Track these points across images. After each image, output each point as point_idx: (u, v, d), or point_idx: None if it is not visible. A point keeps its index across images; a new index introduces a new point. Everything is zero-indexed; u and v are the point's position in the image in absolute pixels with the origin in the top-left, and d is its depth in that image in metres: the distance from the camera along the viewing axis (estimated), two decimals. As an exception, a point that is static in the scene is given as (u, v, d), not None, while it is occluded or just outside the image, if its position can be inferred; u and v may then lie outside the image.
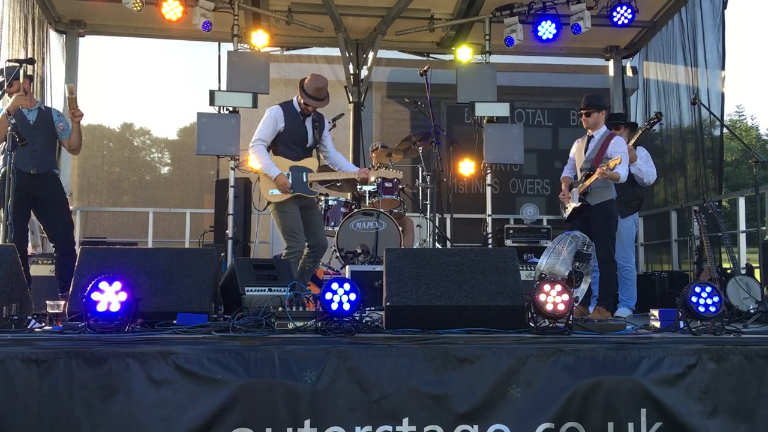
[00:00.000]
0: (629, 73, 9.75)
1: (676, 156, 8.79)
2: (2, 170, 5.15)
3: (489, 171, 8.16)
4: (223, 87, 7.87)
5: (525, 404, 3.26)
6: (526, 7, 8.10)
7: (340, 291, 3.50)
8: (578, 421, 3.26)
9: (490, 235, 7.98)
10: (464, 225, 9.15)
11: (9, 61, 5.79)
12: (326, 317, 3.51)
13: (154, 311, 3.66)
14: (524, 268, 6.56)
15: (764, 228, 6.44)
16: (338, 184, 6.87)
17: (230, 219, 7.55)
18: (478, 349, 3.31)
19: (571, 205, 5.82)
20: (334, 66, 9.46)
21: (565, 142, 6.22)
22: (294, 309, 3.88)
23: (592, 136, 5.86)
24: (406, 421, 3.19)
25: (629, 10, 7.71)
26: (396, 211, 7.05)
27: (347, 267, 6.06)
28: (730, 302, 5.26)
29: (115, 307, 3.39)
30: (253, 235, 8.68)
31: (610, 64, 9.72)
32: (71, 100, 5.37)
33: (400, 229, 6.72)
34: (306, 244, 5.44)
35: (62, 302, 3.91)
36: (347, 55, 8.74)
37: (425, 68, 6.48)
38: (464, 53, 8.26)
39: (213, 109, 7.67)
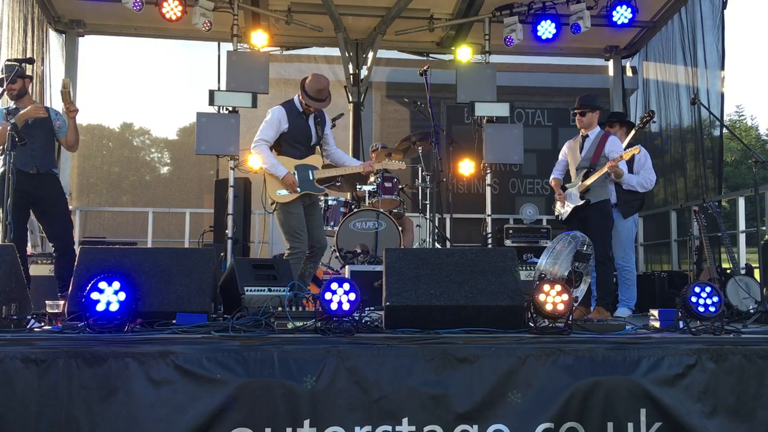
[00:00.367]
0: (629, 73, 9.75)
1: (675, 156, 8.79)
2: (1, 170, 5.15)
3: (489, 171, 8.16)
4: (223, 87, 7.87)
5: (524, 404, 3.25)
6: (526, 6, 8.11)
7: (340, 291, 3.50)
8: (578, 421, 3.26)
9: (489, 235, 7.99)
10: (464, 225, 9.16)
11: (8, 60, 5.80)
12: (326, 317, 3.50)
13: (154, 311, 3.66)
14: (524, 268, 6.56)
15: (764, 228, 6.45)
16: (338, 183, 6.87)
17: (230, 219, 7.55)
18: (478, 349, 3.31)
19: (570, 205, 5.82)
20: (334, 66, 9.46)
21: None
22: (293, 309, 3.88)
23: (587, 136, 5.92)
24: (405, 421, 3.19)
25: (629, 10, 7.71)
26: (396, 211, 7.05)
27: (347, 267, 6.06)
28: (730, 302, 5.26)
29: (115, 307, 3.39)
30: (253, 235, 8.69)
31: (610, 64, 9.72)
32: (65, 95, 5.37)
33: (400, 229, 6.72)
34: None
35: (61, 302, 3.90)
36: (347, 54, 8.74)
37: (425, 68, 6.48)
38: (464, 53, 8.26)
39: (212, 109, 7.68)
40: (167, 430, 3.05)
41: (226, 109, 7.63)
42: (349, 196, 7.34)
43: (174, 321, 3.62)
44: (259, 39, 7.89)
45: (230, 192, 7.62)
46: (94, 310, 3.37)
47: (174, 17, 7.46)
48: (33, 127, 5.36)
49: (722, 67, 7.72)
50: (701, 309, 3.68)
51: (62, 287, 5.26)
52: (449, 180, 8.04)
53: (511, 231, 8.01)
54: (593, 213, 5.73)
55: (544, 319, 3.69)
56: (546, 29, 8.02)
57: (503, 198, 10.05)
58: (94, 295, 3.38)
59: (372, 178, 6.99)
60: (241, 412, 3.10)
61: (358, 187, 7.08)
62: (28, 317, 3.86)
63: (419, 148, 7.37)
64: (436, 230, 7.05)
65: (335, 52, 9.05)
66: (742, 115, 38.52)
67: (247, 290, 4.12)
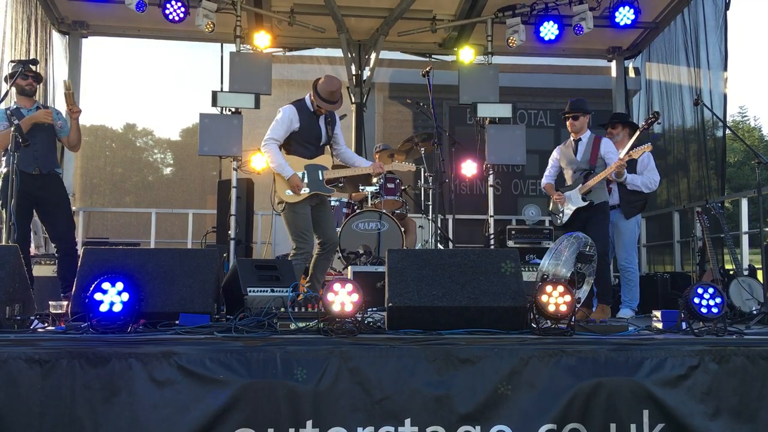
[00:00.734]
0: (632, 74, 9.75)
1: (678, 157, 8.78)
2: (4, 171, 5.16)
3: (491, 172, 8.15)
4: (226, 88, 7.88)
5: (527, 405, 3.25)
6: (529, 8, 8.11)
7: (342, 292, 3.50)
8: (580, 422, 3.26)
9: (492, 236, 7.98)
10: (466, 226, 9.15)
11: (12, 62, 5.82)
12: (328, 318, 3.50)
13: (157, 312, 3.67)
14: (526, 268, 6.56)
15: (767, 229, 6.43)
16: (341, 184, 6.86)
17: (232, 219, 7.55)
18: (480, 350, 3.31)
19: (572, 208, 5.83)
20: (337, 67, 9.46)
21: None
22: (296, 309, 3.89)
23: (580, 140, 5.96)
24: (408, 421, 3.19)
25: (632, 11, 7.71)
26: (398, 211, 7.05)
27: (349, 268, 6.07)
28: (733, 303, 5.26)
29: (118, 308, 3.39)
30: (256, 236, 8.70)
31: (613, 65, 9.72)
32: (68, 96, 5.39)
33: (403, 229, 6.72)
34: (317, 241, 5.40)
35: (65, 302, 3.91)
36: (349, 56, 8.75)
37: (427, 69, 6.48)
38: (466, 54, 8.26)
39: (215, 110, 7.68)
40: (170, 430, 3.06)
41: (229, 110, 7.64)
42: (351, 196, 7.33)
43: (177, 322, 3.62)
44: (262, 40, 7.90)
45: (233, 193, 7.62)
46: (98, 310, 3.38)
47: (177, 18, 7.48)
48: (35, 128, 5.37)
49: (725, 68, 7.71)
50: (704, 310, 3.68)
51: (65, 288, 5.28)
52: (452, 181, 8.04)
53: (513, 232, 8.01)
54: (596, 213, 5.78)
55: (546, 320, 3.69)
56: (549, 30, 8.02)
57: (506, 199, 10.04)
58: (98, 296, 3.38)
59: (375, 179, 6.99)
60: (244, 413, 3.11)
61: (361, 188, 7.08)
62: (32, 318, 3.88)
63: (422, 149, 7.37)
64: (439, 231, 7.05)
65: (338, 53, 9.06)
66: (746, 116, 38.56)
67: (249, 291, 4.13)
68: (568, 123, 6.01)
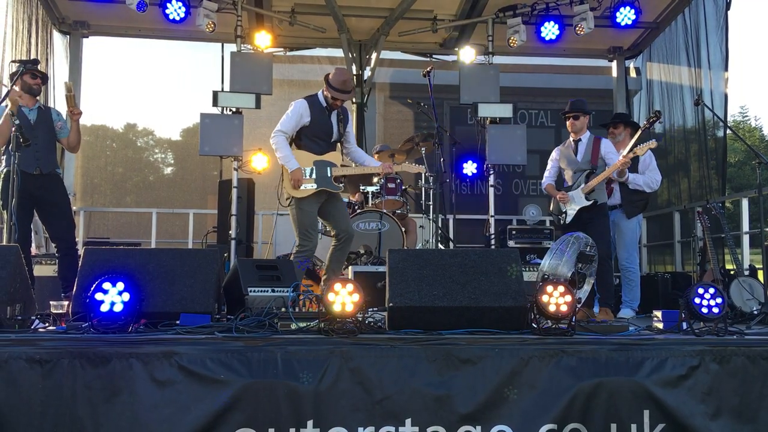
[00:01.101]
0: (632, 74, 9.75)
1: (679, 157, 8.78)
2: (5, 171, 5.17)
3: (492, 172, 8.16)
4: (227, 88, 7.88)
5: (528, 405, 3.26)
6: (529, 8, 8.11)
7: (343, 292, 3.50)
8: (581, 423, 3.26)
9: (492, 236, 7.98)
10: (467, 226, 9.14)
11: (14, 61, 5.82)
12: (329, 318, 3.50)
13: (158, 312, 3.67)
14: (527, 268, 6.56)
15: (767, 229, 6.43)
16: (341, 184, 6.86)
17: (233, 219, 7.56)
18: (481, 350, 3.31)
19: (575, 207, 5.83)
20: (337, 67, 9.46)
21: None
22: (297, 309, 3.89)
23: (579, 140, 5.97)
24: (408, 421, 3.19)
25: (633, 11, 7.71)
26: (399, 211, 7.05)
27: (350, 267, 6.07)
28: (733, 303, 5.25)
29: (119, 308, 3.40)
30: (256, 236, 8.70)
31: (614, 65, 9.72)
32: (69, 98, 5.39)
33: (403, 229, 6.72)
34: (332, 233, 5.43)
35: (65, 302, 3.91)
36: (350, 56, 8.75)
37: (428, 69, 6.48)
38: (467, 54, 8.25)
39: (216, 110, 7.69)
40: (171, 430, 3.06)
41: (230, 110, 7.64)
42: (352, 196, 7.33)
43: (178, 321, 3.63)
44: (263, 40, 7.90)
45: (234, 193, 7.62)
46: (98, 310, 3.39)
47: (178, 18, 7.49)
48: (36, 128, 5.39)
49: (726, 68, 7.70)
50: (705, 310, 3.68)
51: (66, 288, 5.28)
52: (452, 181, 8.05)
53: (514, 232, 8.02)
54: (597, 214, 5.79)
55: (547, 320, 3.69)
56: (549, 30, 8.03)
57: (506, 199, 10.04)
58: (98, 296, 3.39)
59: (375, 179, 6.99)
60: (245, 413, 3.11)
61: (362, 188, 7.08)
62: (33, 318, 3.88)
63: (422, 148, 7.38)
64: (439, 231, 7.05)
65: (338, 53, 9.06)
66: (746, 116, 38.54)
67: (250, 291, 4.13)
68: (568, 123, 6.02)
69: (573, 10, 7.91)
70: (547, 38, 8.06)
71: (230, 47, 8.10)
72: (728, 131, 8.06)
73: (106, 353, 3.11)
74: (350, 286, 3.49)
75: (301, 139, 5.36)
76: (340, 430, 3.16)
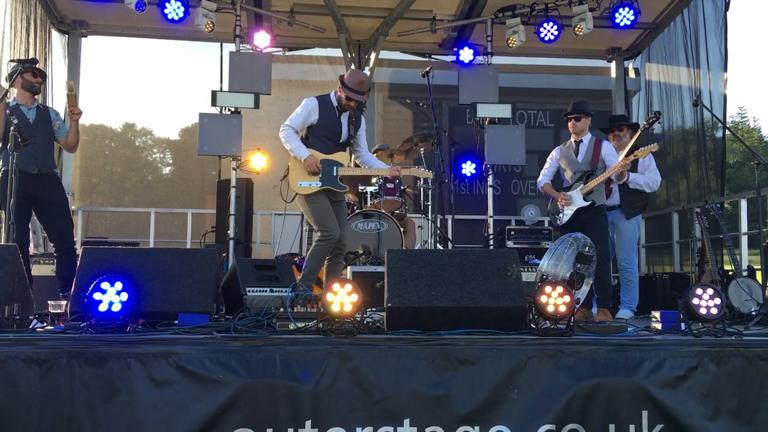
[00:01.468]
0: (631, 74, 9.75)
1: (678, 158, 8.78)
2: (3, 170, 5.16)
3: (490, 172, 8.16)
4: (225, 87, 7.88)
5: (526, 405, 3.26)
6: (528, 8, 8.12)
7: (341, 292, 3.50)
8: (579, 423, 3.27)
9: (491, 236, 7.98)
10: (465, 226, 9.15)
11: (11, 61, 5.81)
12: (327, 318, 3.50)
13: (156, 311, 3.67)
14: (525, 269, 6.56)
15: (766, 230, 6.43)
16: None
17: (232, 219, 7.55)
18: (480, 351, 3.31)
19: (573, 208, 5.83)
20: (336, 67, 9.46)
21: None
22: (296, 309, 3.89)
23: (581, 141, 5.97)
24: (407, 422, 3.19)
25: (631, 12, 7.72)
26: (397, 212, 7.05)
27: (349, 268, 6.06)
28: (732, 304, 5.25)
29: (117, 308, 3.40)
30: (255, 236, 8.69)
31: (613, 65, 9.72)
32: (70, 98, 5.39)
33: (402, 230, 6.72)
34: None
35: (64, 302, 3.91)
36: (349, 56, 8.74)
37: (427, 69, 6.48)
38: (466, 54, 8.26)
39: (215, 110, 7.68)
40: (169, 430, 3.06)
41: (229, 110, 7.64)
42: (351, 196, 7.33)
43: (176, 321, 3.63)
44: (262, 40, 7.90)
45: (232, 192, 7.62)
46: (97, 310, 3.38)
47: (176, 18, 7.48)
48: (35, 127, 5.38)
49: (725, 69, 7.71)
50: (703, 311, 3.68)
51: (64, 287, 5.27)
52: (451, 181, 8.05)
53: (512, 232, 8.02)
54: (596, 215, 5.79)
55: (545, 321, 3.69)
56: (548, 31, 8.03)
57: (505, 199, 10.03)
58: (97, 296, 3.39)
59: (374, 179, 6.99)
60: (243, 413, 3.11)
61: (360, 188, 7.07)
62: (31, 317, 3.88)
63: (421, 149, 7.37)
64: (438, 231, 7.05)
65: (337, 53, 9.05)
66: (745, 117, 38.59)
67: (249, 291, 4.13)
68: (570, 124, 6.01)
69: (572, 11, 7.92)
70: (546, 39, 8.06)
71: (229, 47, 8.11)
72: (727, 132, 8.06)
73: (104, 353, 3.11)
74: (349, 286, 3.49)
75: (308, 138, 5.33)
76: (339, 431, 3.16)
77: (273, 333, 3.48)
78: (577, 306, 3.99)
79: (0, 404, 3.01)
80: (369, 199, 6.99)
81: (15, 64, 5.50)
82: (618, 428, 3.28)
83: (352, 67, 8.72)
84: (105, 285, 3.40)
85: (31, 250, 6.30)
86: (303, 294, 4.23)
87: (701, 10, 8.07)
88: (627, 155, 5.71)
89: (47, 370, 3.06)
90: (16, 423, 3.01)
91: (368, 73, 8.89)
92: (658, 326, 4.02)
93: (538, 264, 4.62)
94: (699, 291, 3.72)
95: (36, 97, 5.61)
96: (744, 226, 6.74)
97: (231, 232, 7.52)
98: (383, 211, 6.77)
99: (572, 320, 3.68)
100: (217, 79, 8.81)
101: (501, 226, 8.24)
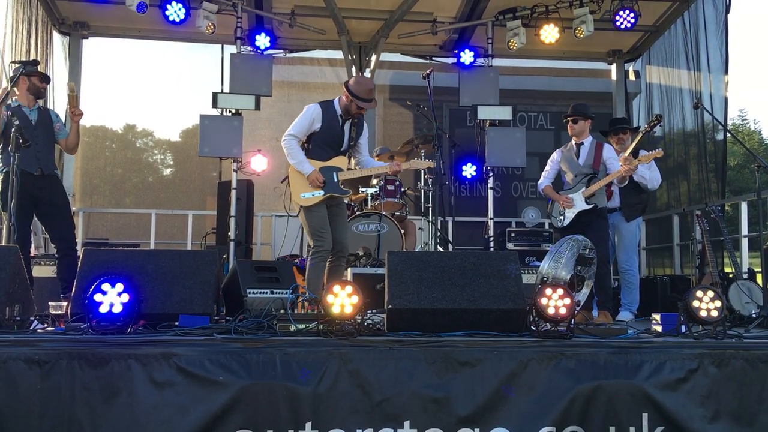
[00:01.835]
0: (632, 77, 9.76)
1: (678, 160, 8.79)
2: (4, 171, 5.17)
3: (491, 174, 8.16)
4: (226, 89, 7.89)
5: (526, 407, 3.25)
6: (529, 10, 8.13)
7: (341, 293, 3.51)
8: (579, 425, 3.26)
9: (491, 238, 7.99)
10: (466, 228, 9.15)
11: (13, 62, 5.82)
12: (328, 320, 3.50)
13: (156, 313, 3.67)
14: (526, 271, 6.55)
15: (766, 232, 6.44)
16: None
17: (232, 221, 7.56)
18: (480, 353, 3.31)
19: (575, 211, 5.83)
20: (337, 69, 9.47)
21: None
22: (296, 311, 3.89)
23: (582, 144, 5.97)
24: (407, 424, 3.19)
25: (632, 14, 7.73)
26: (398, 213, 7.05)
27: (349, 269, 6.06)
28: (732, 307, 5.26)
29: (118, 309, 3.40)
30: (255, 237, 8.70)
31: (613, 68, 9.73)
32: (71, 99, 5.39)
33: (402, 231, 6.72)
34: None
35: (64, 303, 3.91)
36: (350, 57, 8.75)
37: (428, 71, 6.49)
38: (467, 56, 8.27)
39: (216, 111, 7.69)
40: (169, 431, 3.06)
41: (229, 112, 7.65)
42: (352, 198, 7.32)
43: (176, 323, 3.63)
44: (263, 41, 7.91)
45: (233, 194, 7.63)
46: (97, 311, 3.38)
47: (177, 20, 7.50)
48: (36, 129, 5.39)
49: (726, 72, 7.71)
50: (703, 313, 3.68)
51: (65, 288, 5.28)
52: (451, 183, 8.05)
53: (513, 234, 8.02)
54: (597, 217, 5.79)
55: (546, 323, 3.69)
56: (549, 33, 8.04)
57: (505, 201, 10.04)
58: (97, 297, 3.39)
59: (375, 181, 6.99)
60: (243, 414, 3.11)
61: (361, 189, 7.07)
62: (31, 318, 3.88)
63: (422, 151, 7.37)
64: (438, 233, 7.05)
65: (338, 54, 9.06)
66: (745, 119, 38.53)
67: (249, 292, 4.13)
68: (568, 126, 6.03)
69: (573, 13, 7.93)
70: (546, 41, 8.07)
71: (230, 49, 8.11)
72: (727, 134, 8.07)
73: (104, 354, 3.11)
74: (349, 288, 3.50)
75: (309, 144, 5.29)
76: (339, 433, 3.16)
77: (273, 335, 3.48)
78: (578, 308, 3.99)
79: (0, 405, 3.01)
80: (370, 200, 6.99)
81: (17, 65, 5.51)
82: (618, 430, 3.28)
83: (353, 69, 8.74)
84: (106, 286, 3.40)
85: (32, 251, 6.31)
86: (304, 296, 4.23)
87: (702, 12, 8.08)
88: (628, 157, 5.70)
89: (48, 371, 3.06)
90: (17, 424, 3.01)
91: (368, 77, 8.90)
92: (659, 328, 4.01)
93: (539, 266, 4.62)
94: (699, 293, 3.72)
95: (38, 99, 5.62)
96: (744, 229, 6.74)
97: (231, 234, 7.52)
98: (384, 212, 6.77)
99: (572, 322, 3.68)
100: (218, 80, 8.82)
101: (501, 228, 8.24)
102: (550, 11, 8.04)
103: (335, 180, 5.25)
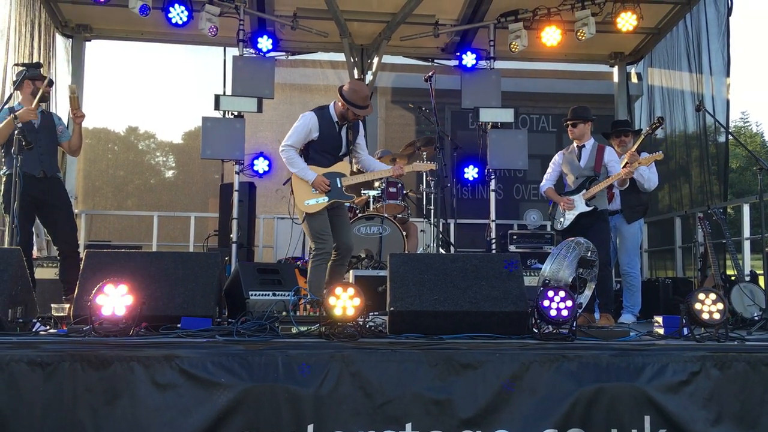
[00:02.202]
0: (634, 79, 9.75)
1: (680, 162, 8.78)
2: (7, 174, 5.18)
3: (493, 176, 8.17)
4: (228, 91, 7.90)
5: (528, 410, 3.25)
6: (531, 13, 8.14)
7: (344, 296, 3.51)
8: (581, 428, 3.26)
9: (493, 241, 7.99)
10: (468, 230, 9.15)
11: (17, 65, 5.83)
12: (330, 322, 3.51)
13: (159, 315, 3.68)
14: (528, 273, 6.55)
15: (768, 235, 6.44)
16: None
17: (234, 223, 7.56)
18: (482, 355, 3.31)
19: (575, 213, 5.84)
20: (339, 71, 9.48)
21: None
22: (298, 313, 3.90)
23: (583, 146, 5.97)
24: (409, 426, 3.19)
25: (634, 17, 7.73)
26: (400, 216, 7.06)
27: (351, 272, 6.07)
28: (734, 309, 5.25)
29: (120, 311, 3.40)
30: (257, 239, 8.70)
31: (615, 70, 9.73)
32: (73, 101, 5.40)
33: (404, 234, 6.72)
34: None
35: (67, 305, 3.92)
36: (352, 60, 8.76)
37: (430, 74, 6.49)
38: (469, 59, 8.28)
39: (218, 114, 7.70)
40: (171, 433, 3.06)
41: (232, 114, 7.66)
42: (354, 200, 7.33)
43: (179, 325, 3.63)
44: (265, 44, 7.93)
45: (235, 196, 7.63)
46: (100, 313, 3.39)
47: (180, 22, 7.51)
48: (39, 131, 5.39)
49: (728, 74, 7.71)
50: (705, 316, 3.69)
51: (67, 290, 5.28)
52: (453, 185, 8.05)
53: (515, 236, 8.02)
54: (597, 220, 5.80)
55: (548, 325, 3.70)
56: (551, 36, 8.05)
57: (507, 203, 10.03)
58: (100, 299, 3.40)
59: (377, 183, 6.99)
60: (245, 417, 3.11)
61: (363, 192, 7.08)
62: (34, 320, 3.89)
63: (424, 153, 7.38)
64: (440, 235, 7.05)
65: (340, 57, 9.07)
66: (747, 122, 38.47)
67: (251, 294, 4.14)
68: (568, 130, 6.03)
69: (574, 16, 7.93)
70: (548, 44, 8.08)
71: (232, 51, 8.12)
72: (729, 137, 8.06)
73: (107, 356, 3.11)
74: (351, 291, 3.50)
75: (309, 153, 5.31)
76: (341, 435, 3.16)
77: (275, 337, 3.48)
78: (579, 311, 3.99)
79: (3, 407, 3.01)
80: (372, 202, 7.00)
81: (21, 68, 5.52)
82: (620, 433, 3.28)
83: (356, 71, 8.75)
84: (108, 288, 3.41)
85: (35, 253, 6.32)
86: (306, 298, 4.24)
87: (704, 15, 8.07)
88: (631, 162, 5.71)
89: (50, 373, 3.07)
90: (19, 426, 3.01)
91: (369, 79, 8.91)
92: (661, 331, 4.01)
93: (541, 268, 4.62)
94: (701, 296, 3.72)
95: (42, 102, 5.63)
96: (747, 231, 6.73)
97: (234, 236, 7.52)
98: (386, 215, 6.77)
99: (574, 325, 3.68)
100: (221, 83, 8.83)
101: (503, 230, 8.24)
102: (551, 13, 8.05)
103: (339, 186, 5.27)
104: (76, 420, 3.04)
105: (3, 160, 5.32)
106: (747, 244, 6.68)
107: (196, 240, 8.71)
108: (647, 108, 9.48)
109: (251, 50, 8.05)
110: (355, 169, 5.60)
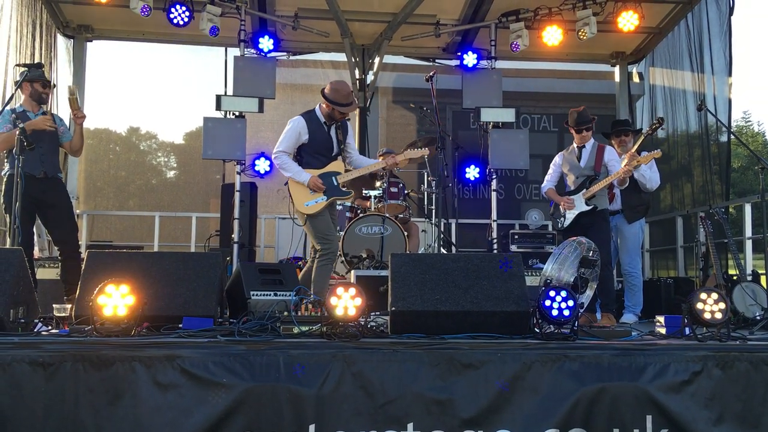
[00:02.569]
0: (635, 78, 9.74)
1: (682, 162, 8.77)
2: (8, 174, 5.18)
3: (494, 176, 8.16)
4: (230, 92, 7.91)
5: (530, 410, 3.25)
6: (532, 12, 8.13)
7: (345, 296, 3.51)
8: (583, 428, 3.26)
9: (495, 241, 7.98)
10: (469, 230, 9.15)
11: (18, 65, 5.84)
12: (331, 322, 3.51)
13: (160, 315, 3.68)
14: (529, 273, 6.55)
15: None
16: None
17: (236, 223, 7.57)
18: (483, 355, 3.31)
19: (575, 212, 5.84)
20: (340, 71, 9.48)
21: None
22: (300, 313, 3.90)
23: (584, 146, 5.97)
24: (410, 426, 3.19)
25: (635, 16, 7.73)
26: (401, 216, 7.05)
27: (352, 272, 6.07)
28: (736, 309, 5.24)
29: (122, 311, 3.40)
30: (259, 240, 8.71)
31: (616, 70, 9.72)
32: (72, 102, 5.40)
33: (406, 234, 6.72)
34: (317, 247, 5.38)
35: (68, 306, 3.92)
36: (353, 60, 8.76)
37: (431, 73, 6.49)
38: (470, 58, 8.27)
39: (219, 114, 7.71)
40: (173, 433, 3.06)
41: (233, 114, 7.66)
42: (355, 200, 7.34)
43: (180, 325, 3.63)
44: (266, 44, 7.93)
45: (236, 196, 7.64)
46: (101, 313, 3.39)
47: (181, 23, 7.52)
48: (40, 132, 5.39)
49: (729, 74, 7.69)
50: (707, 315, 3.68)
51: (68, 291, 5.29)
52: (455, 185, 8.05)
53: (516, 236, 8.01)
54: (598, 219, 5.80)
55: (549, 325, 3.69)
56: (552, 35, 8.04)
57: (509, 203, 10.04)
58: (102, 299, 3.40)
59: (378, 183, 6.99)
60: (247, 417, 3.12)
61: (364, 192, 7.08)
62: (36, 321, 3.89)
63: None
64: (442, 235, 7.05)
65: (342, 57, 9.08)
66: (749, 121, 38.37)
67: (253, 295, 4.14)
68: (581, 135, 5.95)
69: (575, 15, 7.93)
70: (549, 43, 8.07)
71: (234, 51, 8.13)
72: (731, 136, 8.05)
73: (108, 356, 3.11)
74: (353, 290, 3.50)
75: (302, 156, 5.35)
76: (342, 435, 3.16)
77: (277, 337, 3.48)
78: (581, 310, 3.99)
79: (5, 407, 3.02)
80: (373, 202, 7.00)
81: (22, 69, 5.53)
82: (622, 433, 3.28)
83: (357, 71, 8.76)
84: (110, 288, 3.41)
85: (36, 253, 6.32)
86: (307, 298, 4.23)
87: (705, 14, 8.06)
88: (630, 161, 5.70)
89: (52, 373, 3.07)
90: (21, 426, 3.02)
91: (371, 79, 8.91)
92: (663, 331, 4.01)
93: (542, 268, 4.62)
94: (703, 295, 3.72)
95: (41, 104, 5.63)
96: (749, 231, 6.72)
97: (235, 236, 7.53)
98: (387, 215, 6.77)
99: (576, 325, 3.68)
100: (222, 83, 8.84)
101: (505, 230, 8.23)
102: (553, 13, 8.04)
103: (335, 183, 5.30)
104: (78, 420, 3.05)
105: (5, 160, 5.32)
106: (749, 244, 6.68)
107: (198, 240, 8.71)
108: (649, 108, 9.47)
109: (252, 50, 8.06)
110: (347, 168, 5.61)
